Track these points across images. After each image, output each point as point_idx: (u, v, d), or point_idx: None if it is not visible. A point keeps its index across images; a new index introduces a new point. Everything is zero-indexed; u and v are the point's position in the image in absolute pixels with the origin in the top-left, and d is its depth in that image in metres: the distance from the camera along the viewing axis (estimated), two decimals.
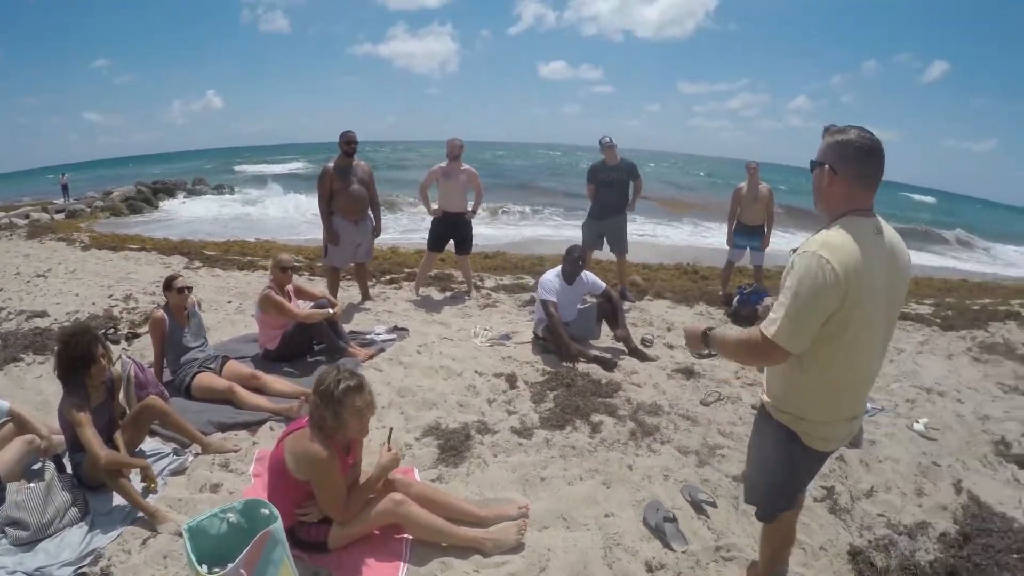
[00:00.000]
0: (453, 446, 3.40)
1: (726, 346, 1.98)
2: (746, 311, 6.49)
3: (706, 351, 2.12)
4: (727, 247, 7.54)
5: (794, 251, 1.82)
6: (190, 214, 20.74)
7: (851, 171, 1.79)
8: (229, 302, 6.54)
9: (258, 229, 15.56)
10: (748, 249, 7.37)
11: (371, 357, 4.76)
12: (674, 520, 2.86)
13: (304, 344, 4.77)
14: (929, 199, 63.48)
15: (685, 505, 3.08)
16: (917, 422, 4.30)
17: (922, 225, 28.68)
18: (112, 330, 5.44)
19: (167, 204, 23.80)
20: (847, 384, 1.89)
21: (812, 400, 1.91)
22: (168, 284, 4.15)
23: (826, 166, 1.82)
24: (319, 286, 6.50)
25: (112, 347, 4.34)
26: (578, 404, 4.00)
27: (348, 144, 5.81)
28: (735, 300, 6.70)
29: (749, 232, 7.27)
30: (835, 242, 1.72)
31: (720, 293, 7.53)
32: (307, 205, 20.40)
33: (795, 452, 1.99)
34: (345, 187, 5.79)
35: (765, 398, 2.06)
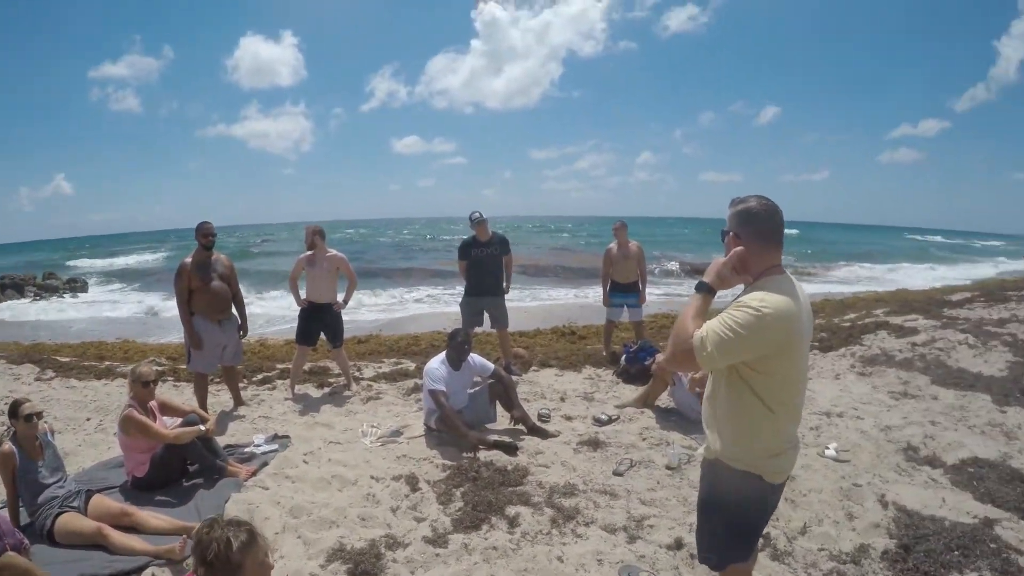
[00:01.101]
0: (364, 571, 2.98)
1: (687, 307, 2.00)
2: (635, 368, 6.54)
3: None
4: (604, 308, 7.63)
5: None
6: (41, 313, 18.46)
7: (754, 234, 1.97)
8: (88, 419, 5.60)
9: (117, 327, 13.92)
10: (625, 307, 7.51)
11: (253, 474, 4.22)
12: None
13: (177, 467, 4.17)
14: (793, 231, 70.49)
15: None
16: (828, 448, 4.47)
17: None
18: None
19: (14, 303, 20.94)
20: (794, 413, 2.07)
21: (772, 435, 2.02)
22: (13, 411, 3.51)
23: (730, 233, 2.00)
24: (186, 395, 5.82)
25: None
26: (489, 499, 3.71)
27: (206, 237, 5.33)
28: (623, 359, 6.74)
29: (624, 290, 7.44)
30: (769, 300, 1.86)
31: (604, 353, 7.58)
32: (165, 300, 18.63)
33: (759, 491, 2.07)
34: (205, 284, 5.28)
35: (718, 454, 2.10)
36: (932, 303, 12.64)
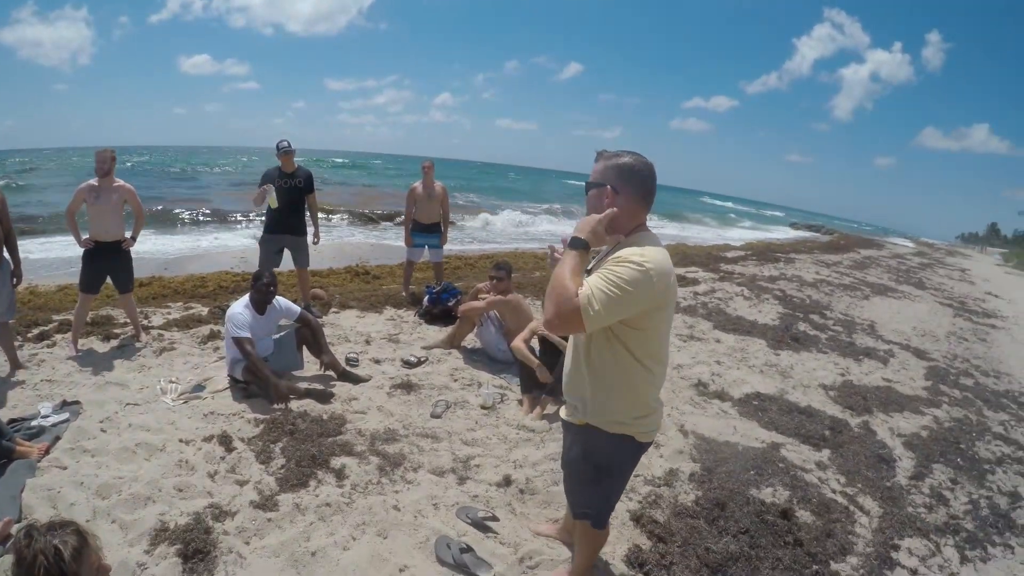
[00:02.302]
0: (197, 549, 2.68)
1: (563, 265, 1.88)
2: (438, 309, 6.59)
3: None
4: (405, 247, 7.53)
5: (588, 273, 1.98)
6: None
7: (635, 190, 1.98)
8: None
9: None
10: (426, 247, 7.48)
11: (47, 451, 3.50)
12: (470, 549, 2.78)
13: None
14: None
15: (469, 529, 3.02)
16: None
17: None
18: None
19: None
20: (663, 370, 2.13)
21: (647, 394, 2.08)
22: None
23: (607, 187, 1.97)
24: None
25: None
26: (312, 452, 3.55)
27: None
28: (425, 300, 6.75)
29: (426, 230, 7.40)
30: (648, 254, 1.87)
31: (403, 293, 7.53)
32: None
33: (631, 452, 2.17)
34: None
35: (589, 420, 2.13)
36: (710, 259, 14.47)
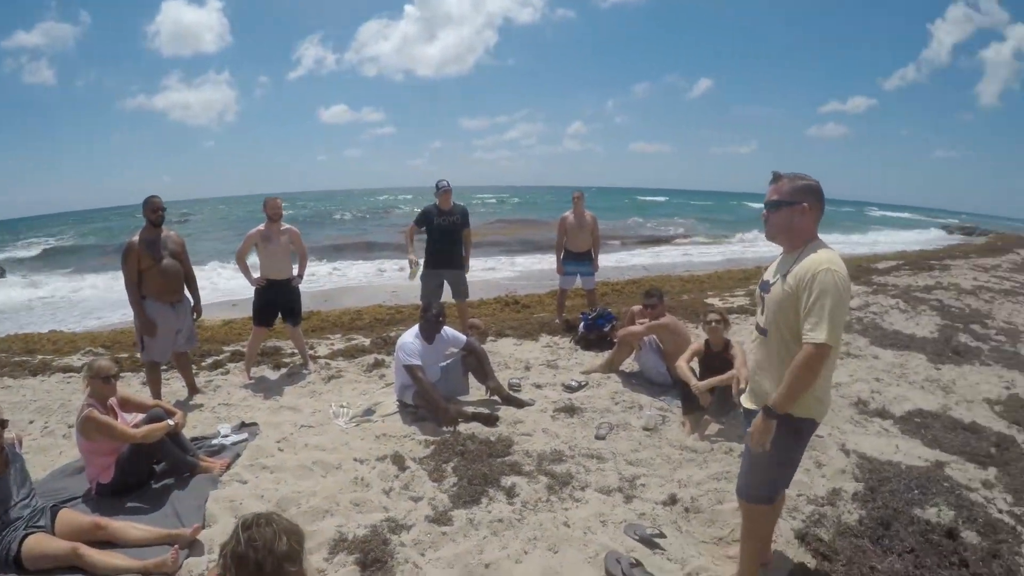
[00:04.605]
0: (375, 558, 2.88)
1: (789, 392, 2.22)
2: (594, 335, 6.68)
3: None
4: (558, 275, 7.75)
5: (783, 277, 2.32)
6: None
7: (819, 206, 2.34)
8: (31, 422, 5.01)
9: (47, 317, 12.70)
10: (578, 275, 7.64)
11: (227, 467, 3.94)
12: (639, 564, 2.79)
13: (145, 469, 3.80)
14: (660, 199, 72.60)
15: (636, 545, 3.04)
16: None
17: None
18: None
19: None
20: (834, 362, 2.40)
21: (824, 384, 2.37)
22: None
23: (804, 204, 2.31)
24: (133, 386, 5.50)
25: None
26: (483, 472, 3.71)
27: (155, 212, 4.95)
28: (581, 326, 6.86)
29: (578, 259, 7.55)
30: (834, 259, 2.23)
31: (557, 321, 7.70)
32: (103, 284, 16.28)
33: (807, 431, 2.44)
34: (156, 264, 4.90)
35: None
36: (861, 271, 13.52)
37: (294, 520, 3.15)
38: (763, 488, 2.53)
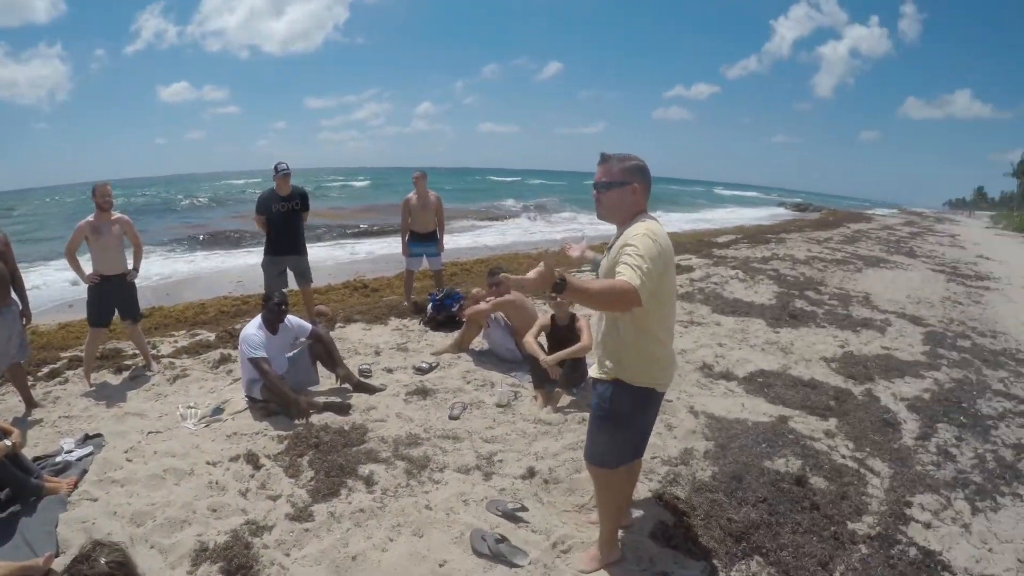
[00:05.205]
0: (240, 564, 2.77)
1: (587, 291, 2.11)
2: (442, 316, 6.70)
3: (553, 294, 2.49)
4: (404, 257, 7.66)
5: (609, 250, 2.46)
6: None
7: (647, 185, 2.47)
8: None
9: None
10: (424, 256, 7.59)
11: (75, 485, 3.55)
12: (504, 539, 2.91)
13: None
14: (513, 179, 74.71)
15: (500, 521, 3.15)
16: None
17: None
18: None
19: None
20: (672, 326, 2.58)
21: (664, 353, 2.50)
22: None
23: (635, 184, 2.42)
24: None
25: None
26: (339, 462, 3.67)
27: None
28: (429, 307, 6.85)
29: (423, 240, 7.51)
30: (652, 227, 2.33)
31: (405, 303, 7.64)
32: None
33: (651, 401, 2.57)
34: None
35: (618, 376, 2.48)
36: (703, 245, 14.65)
37: (151, 534, 2.93)
38: (607, 454, 2.59)
